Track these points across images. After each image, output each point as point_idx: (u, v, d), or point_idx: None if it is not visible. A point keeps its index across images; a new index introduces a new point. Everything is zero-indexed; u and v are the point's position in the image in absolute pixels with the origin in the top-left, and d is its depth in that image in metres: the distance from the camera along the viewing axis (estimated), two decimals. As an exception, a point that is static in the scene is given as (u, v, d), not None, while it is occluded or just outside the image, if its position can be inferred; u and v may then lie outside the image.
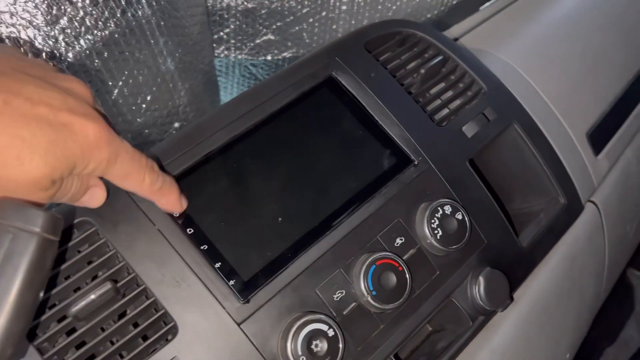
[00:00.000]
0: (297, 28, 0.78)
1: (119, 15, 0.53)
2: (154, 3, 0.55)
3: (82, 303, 0.40)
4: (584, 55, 0.72)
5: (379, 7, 0.79)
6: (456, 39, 0.72)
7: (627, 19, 0.80)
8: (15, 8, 0.47)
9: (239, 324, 0.42)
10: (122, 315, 0.41)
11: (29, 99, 0.30)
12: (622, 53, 0.77)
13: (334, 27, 0.79)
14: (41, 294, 0.33)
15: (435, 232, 0.49)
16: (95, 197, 0.39)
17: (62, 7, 0.49)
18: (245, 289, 0.43)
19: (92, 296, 0.40)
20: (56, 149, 0.31)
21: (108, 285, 0.40)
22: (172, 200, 0.42)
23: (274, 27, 0.78)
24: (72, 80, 0.34)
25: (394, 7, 0.79)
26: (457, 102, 0.59)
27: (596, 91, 0.71)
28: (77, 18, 0.50)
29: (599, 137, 0.69)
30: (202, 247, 0.43)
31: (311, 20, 0.77)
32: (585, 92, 0.70)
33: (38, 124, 0.30)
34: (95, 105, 0.35)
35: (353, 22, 0.79)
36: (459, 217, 0.50)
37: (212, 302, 0.42)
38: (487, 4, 0.86)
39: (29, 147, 0.30)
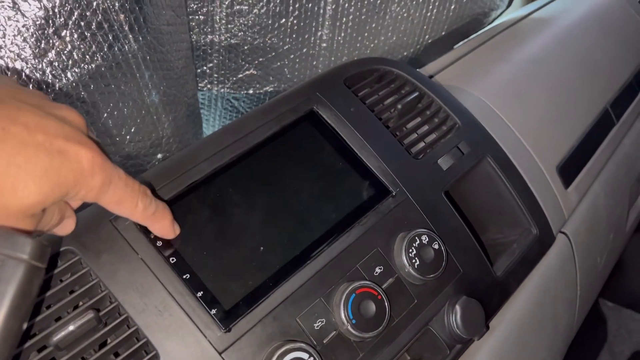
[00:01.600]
0: (278, 64, 0.80)
1: (105, 49, 0.54)
2: (140, 38, 0.57)
3: (63, 333, 0.40)
4: (552, 93, 0.76)
5: (358, 44, 0.82)
6: (431, 76, 0.75)
7: (592, 58, 0.84)
8: (4, 41, 0.49)
9: (220, 353, 0.43)
10: (103, 344, 0.41)
11: (26, 126, 0.31)
12: (588, 90, 0.80)
13: (314, 63, 0.81)
14: (25, 324, 0.33)
15: (413, 261, 0.50)
16: (67, 227, 0.39)
17: (51, 41, 0.50)
18: (227, 318, 0.44)
19: (74, 325, 0.40)
20: (50, 176, 0.31)
21: (90, 314, 0.40)
22: (165, 226, 0.42)
23: (256, 62, 0.80)
24: (66, 109, 0.35)
25: (372, 45, 0.82)
26: (433, 136, 0.61)
27: (565, 127, 0.75)
28: (65, 52, 0.51)
29: (568, 170, 0.72)
30: (184, 276, 0.44)
31: (292, 56, 0.80)
32: (555, 128, 0.73)
33: (35, 151, 0.31)
34: (89, 133, 0.36)
35: (333, 58, 0.81)
36: (436, 246, 0.52)
37: (194, 331, 0.43)
38: (460, 43, 0.89)
39: (25, 174, 0.30)
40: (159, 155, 0.65)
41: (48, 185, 0.31)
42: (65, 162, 0.32)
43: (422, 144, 0.60)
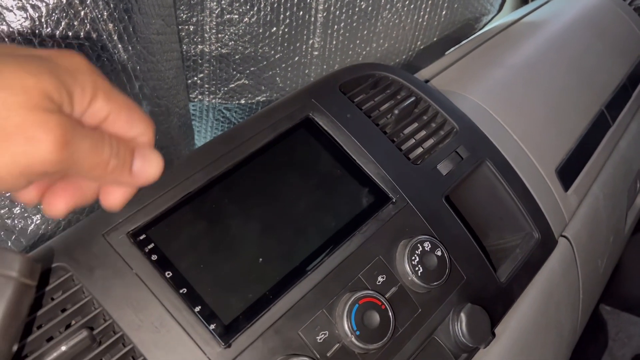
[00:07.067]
0: (270, 73, 0.79)
1: (94, 60, 0.53)
2: (130, 48, 0.55)
3: (56, 353, 0.38)
4: (547, 96, 0.76)
5: (350, 52, 0.81)
6: (426, 81, 0.75)
7: (585, 61, 0.84)
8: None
9: (220, 370, 0.41)
10: (98, 364, 0.40)
11: None
12: (583, 93, 0.80)
13: (307, 71, 0.80)
14: (15, 346, 0.31)
15: (416, 269, 0.49)
16: (149, 161, 0.35)
17: (38, 52, 0.49)
18: (227, 333, 0.42)
19: (67, 345, 0.38)
20: None
21: (84, 333, 0.38)
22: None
23: (248, 72, 0.79)
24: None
25: (364, 53, 0.82)
26: (431, 141, 0.60)
27: (562, 129, 0.74)
28: (53, 62, 0.50)
29: (567, 173, 0.71)
30: (181, 291, 0.42)
31: (284, 65, 0.79)
32: (552, 130, 0.73)
33: None
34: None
35: (325, 66, 0.81)
36: (439, 253, 0.51)
37: (193, 348, 0.41)
38: (452, 49, 0.89)
39: None
40: (151, 168, 0.63)
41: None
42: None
43: (420, 150, 0.59)
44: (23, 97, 0.28)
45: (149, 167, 0.35)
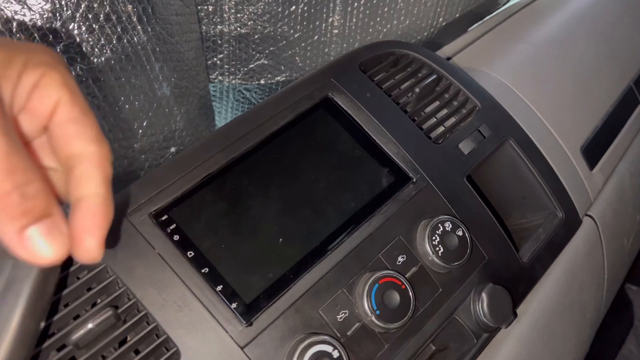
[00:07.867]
0: (290, 52, 0.79)
1: (114, 41, 0.53)
2: (149, 29, 0.56)
3: (82, 331, 0.39)
4: (573, 72, 0.74)
5: (370, 30, 0.80)
6: (448, 58, 0.73)
7: (615, 35, 0.82)
8: (11, 36, 0.48)
9: (242, 348, 0.42)
10: (123, 342, 0.40)
11: None
12: (611, 69, 0.78)
13: (326, 50, 0.80)
14: (42, 323, 0.32)
15: (437, 249, 0.49)
16: (51, 240, 0.27)
17: (59, 34, 0.49)
18: (248, 312, 0.43)
19: (92, 323, 0.39)
20: None
21: (109, 312, 0.39)
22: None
23: (267, 51, 0.78)
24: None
25: (385, 30, 0.81)
26: (453, 120, 0.59)
27: (587, 107, 0.72)
28: (74, 45, 0.50)
29: (593, 151, 0.69)
30: (203, 271, 0.43)
31: (303, 44, 0.78)
32: (577, 108, 0.71)
33: None
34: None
35: (345, 45, 0.80)
36: (460, 233, 0.50)
37: (215, 326, 0.42)
38: (475, 25, 0.87)
39: None
40: (172, 149, 0.64)
41: None
42: None
43: (441, 128, 0.58)
44: None
45: (45, 245, 0.26)
